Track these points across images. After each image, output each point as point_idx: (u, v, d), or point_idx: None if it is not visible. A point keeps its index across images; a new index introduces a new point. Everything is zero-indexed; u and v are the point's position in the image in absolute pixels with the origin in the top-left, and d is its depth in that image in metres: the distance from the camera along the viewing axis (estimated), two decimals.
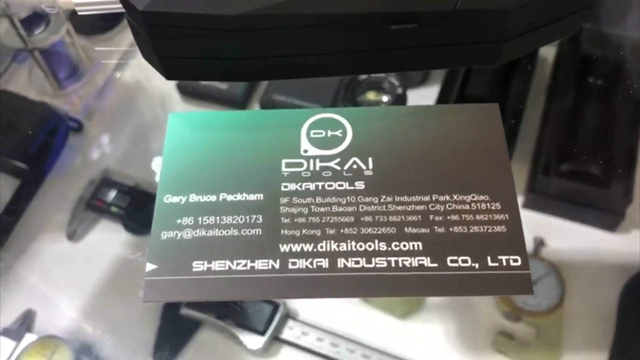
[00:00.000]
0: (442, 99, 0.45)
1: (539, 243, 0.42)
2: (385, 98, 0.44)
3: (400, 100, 0.44)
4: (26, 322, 0.40)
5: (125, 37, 0.49)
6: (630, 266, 0.40)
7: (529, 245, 0.41)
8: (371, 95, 0.45)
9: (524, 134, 0.46)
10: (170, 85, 0.50)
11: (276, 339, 0.39)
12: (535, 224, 0.42)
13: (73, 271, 0.43)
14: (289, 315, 0.40)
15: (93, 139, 0.48)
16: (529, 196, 0.43)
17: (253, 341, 0.39)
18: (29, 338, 0.39)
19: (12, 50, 0.47)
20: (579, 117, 0.44)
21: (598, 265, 0.41)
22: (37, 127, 0.46)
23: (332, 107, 0.47)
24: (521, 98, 0.47)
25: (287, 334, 0.39)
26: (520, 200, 0.43)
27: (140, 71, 0.49)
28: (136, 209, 0.44)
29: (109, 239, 0.44)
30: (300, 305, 0.40)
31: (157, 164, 0.45)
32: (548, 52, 0.47)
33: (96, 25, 0.49)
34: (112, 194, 0.45)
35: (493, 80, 0.46)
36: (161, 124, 0.50)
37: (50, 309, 0.41)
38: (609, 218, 0.42)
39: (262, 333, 0.39)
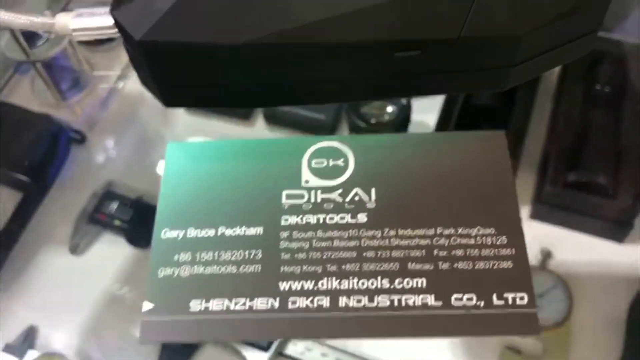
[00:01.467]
0: (446, 108, 0.44)
1: (546, 255, 0.41)
2: (389, 108, 0.44)
3: (404, 110, 0.44)
4: (28, 338, 0.40)
5: None
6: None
7: (536, 256, 0.41)
8: (375, 106, 0.44)
9: (530, 143, 0.45)
10: None
11: (280, 354, 0.39)
12: (542, 235, 0.42)
13: (76, 286, 0.43)
14: None
15: (96, 150, 0.48)
16: (536, 207, 0.42)
17: (257, 357, 0.38)
18: (31, 355, 0.39)
19: (14, 61, 0.47)
20: (586, 126, 0.43)
21: (606, 276, 0.41)
22: (39, 139, 0.45)
23: (336, 118, 0.47)
24: (527, 107, 0.46)
25: (291, 349, 0.39)
26: (527, 210, 0.42)
27: None
28: (139, 222, 0.44)
29: (112, 253, 0.44)
30: None
31: (161, 168, 0.44)
32: None
33: None
34: (115, 207, 0.44)
35: None
36: (164, 135, 0.50)
37: (52, 325, 0.41)
38: (617, 229, 0.41)
39: (266, 349, 0.39)
